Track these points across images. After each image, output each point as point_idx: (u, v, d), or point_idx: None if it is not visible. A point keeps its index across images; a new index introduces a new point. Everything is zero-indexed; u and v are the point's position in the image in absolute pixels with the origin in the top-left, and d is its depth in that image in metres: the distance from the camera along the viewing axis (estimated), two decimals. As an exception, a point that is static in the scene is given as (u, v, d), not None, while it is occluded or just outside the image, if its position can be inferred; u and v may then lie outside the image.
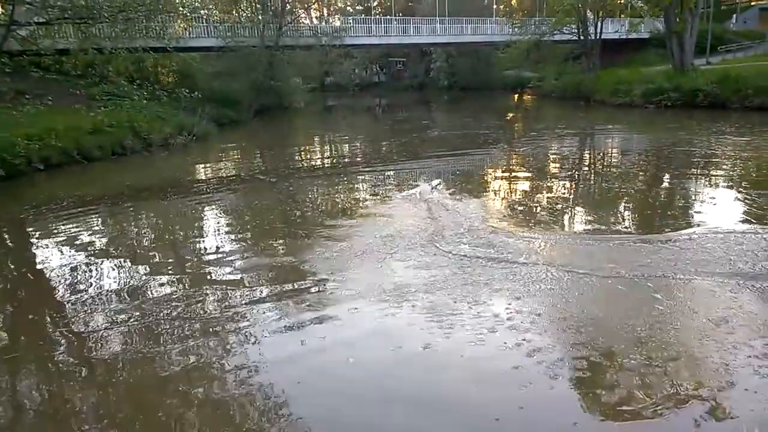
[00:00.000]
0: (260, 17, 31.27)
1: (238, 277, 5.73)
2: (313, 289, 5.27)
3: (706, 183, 9.59)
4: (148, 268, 6.16)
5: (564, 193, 9.28)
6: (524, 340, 4.07)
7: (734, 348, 3.81)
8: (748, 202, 7.82)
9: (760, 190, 8.43)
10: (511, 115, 28.22)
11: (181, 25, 21.14)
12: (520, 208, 8.25)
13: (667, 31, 24.98)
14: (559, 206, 8.31)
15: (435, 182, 9.63)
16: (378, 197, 9.19)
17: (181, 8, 17.79)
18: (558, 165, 12.21)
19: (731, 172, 10.20)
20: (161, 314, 4.88)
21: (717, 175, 10.00)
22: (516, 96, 37.69)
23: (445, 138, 17.53)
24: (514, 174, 11.19)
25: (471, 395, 3.52)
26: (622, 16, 36.81)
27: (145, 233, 8.06)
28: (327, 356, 4.10)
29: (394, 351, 4.10)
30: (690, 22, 23.91)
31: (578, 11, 30.00)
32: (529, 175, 11.04)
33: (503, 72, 41.86)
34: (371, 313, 4.70)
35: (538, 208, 8.18)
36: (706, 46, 28.18)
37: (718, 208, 7.75)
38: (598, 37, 31.11)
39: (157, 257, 6.63)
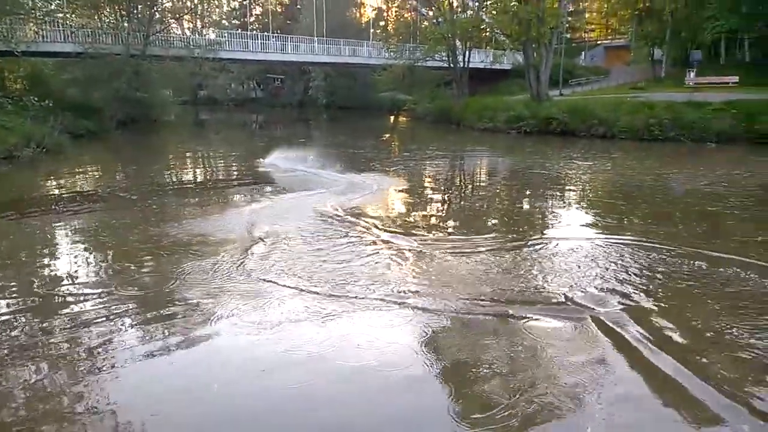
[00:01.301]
0: (125, 24, 29.32)
1: (90, 302, 5.19)
2: (178, 314, 4.94)
3: (553, 200, 10.66)
4: None
5: (429, 210, 9.72)
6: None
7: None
8: (582, 216, 8.90)
9: (593, 207, 9.63)
10: (387, 135, 29.13)
11: (33, 29, 19.07)
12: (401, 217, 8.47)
13: (525, 64, 27.56)
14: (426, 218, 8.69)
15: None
16: (247, 212, 8.90)
17: (32, 11, 16.00)
18: (428, 184, 12.79)
19: (573, 192, 11.55)
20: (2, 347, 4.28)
21: (560, 194, 11.26)
22: (392, 117, 39.08)
23: (323, 155, 17.54)
24: (384, 190, 11.46)
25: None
26: (488, 47, 40.05)
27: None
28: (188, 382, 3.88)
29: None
30: (545, 57, 26.63)
31: (448, 41, 32.05)
32: (401, 192, 11.39)
33: (380, 93, 43.34)
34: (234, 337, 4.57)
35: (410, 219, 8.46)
36: (559, 78, 31.50)
37: (557, 221, 8.88)
38: (466, 66, 33.46)
39: None
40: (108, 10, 30.42)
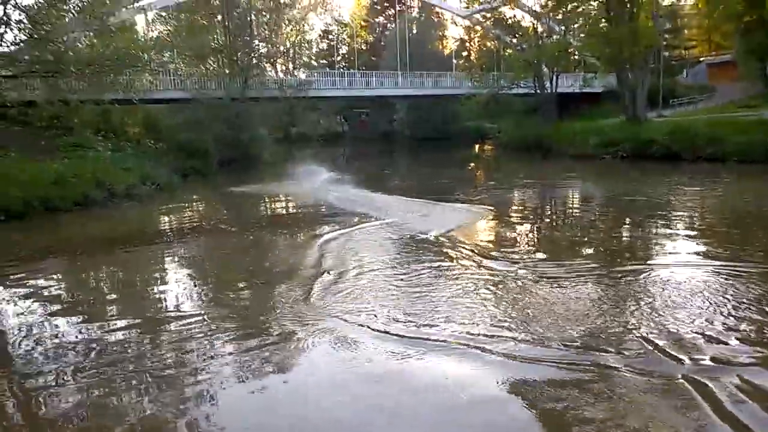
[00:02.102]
0: (227, 71, 31.80)
1: (197, 328, 5.56)
2: (275, 342, 5.15)
3: (655, 228, 9.95)
4: (104, 321, 5.96)
5: (515, 239, 9.42)
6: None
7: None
8: (688, 244, 8.42)
9: (701, 236, 8.98)
10: (471, 165, 28.95)
11: (149, 78, 21.24)
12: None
13: (619, 86, 26.46)
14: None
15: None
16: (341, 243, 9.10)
17: (149, 63, 17.84)
18: (515, 214, 12.46)
19: (678, 219, 10.76)
20: (117, 369, 4.69)
21: (663, 222, 10.50)
22: (477, 146, 38.81)
23: (406, 187, 17.67)
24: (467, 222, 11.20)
25: None
26: (576, 70, 38.93)
27: (103, 284, 7.79)
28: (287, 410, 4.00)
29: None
30: (641, 78, 25.43)
31: (534, 67, 31.58)
32: (488, 222, 11.13)
33: (464, 123, 43.30)
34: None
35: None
36: (658, 99, 29.86)
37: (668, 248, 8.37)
38: (554, 91, 32.70)
39: (115, 309, 6.48)
40: (212, 58, 33.19)
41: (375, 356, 4.78)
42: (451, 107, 43.24)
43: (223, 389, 4.31)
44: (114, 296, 7.08)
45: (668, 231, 9.96)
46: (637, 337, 4.92)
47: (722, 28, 38.16)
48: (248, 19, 32.06)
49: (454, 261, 7.86)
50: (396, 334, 5.15)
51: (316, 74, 37.22)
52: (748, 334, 4.92)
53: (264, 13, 34.08)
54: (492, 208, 12.62)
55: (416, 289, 6.57)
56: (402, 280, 7.01)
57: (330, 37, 55.01)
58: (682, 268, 7.09)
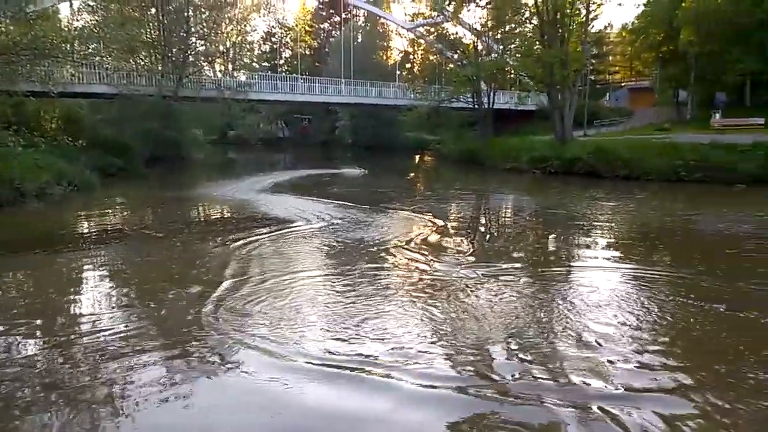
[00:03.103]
0: (159, 67, 30.67)
1: (114, 339, 5.26)
2: (197, 351, 4.97)
3: (574, 239, 10.54)
4: (9, 332, 5.49)
5: (447, 246, 9.65)
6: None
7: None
8: (599, 255, 8.96)
9: (612, 248, 9.54)
10: (411, 174, 29.35)
11: (70, 71, 20.10)
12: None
13: (550, 105, 27.67)
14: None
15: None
16: (279, 246, 9.00)
17: (71, 54, 16.84)
18: (450, 222, 12.74)
19: (594, 232, 11.44)
20: (24, 382, 4.36)
21: (581, 234, 11.18)
22: (417, 157, 39.43)
23: (346, 195, 17.70)
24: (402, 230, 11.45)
25: None
26: (513, 89, 40.46)
27: (9, 292, 7.19)
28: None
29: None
30: (569, 99, 26.72)
31: (473, 82, 32.53)
32: (421, 230, 11.36)
33: (405, 133, 43.94)
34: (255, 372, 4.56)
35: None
36: (584, 119, 31.48)
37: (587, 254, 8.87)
38: (490, 107, 33.80)
39: (23, 319, 5.94)
40: (144, 53, 31.87)
41: (263, 382, 4.47)
42: (394, 117, 43.82)
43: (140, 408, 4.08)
44: (21, 304, 6.53)
45: (586, 240, 10.73)
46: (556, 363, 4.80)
47: (643, 57, 40.84)
48: (185, 14, 31.06)
49: (384, 268, 7.95)
50: (307, 359, 4.84)
51: (256, 77, 36.57)
52: (658, 352, 5.03)
53: (203, 10, 33.13)
54: (429, 216, 12.89)
55: (335, 302, 6.53)
56: (324, 289, 7.01)
57: (273, 39, 54.41)
58: (598, 271, 8.13)
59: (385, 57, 51.95)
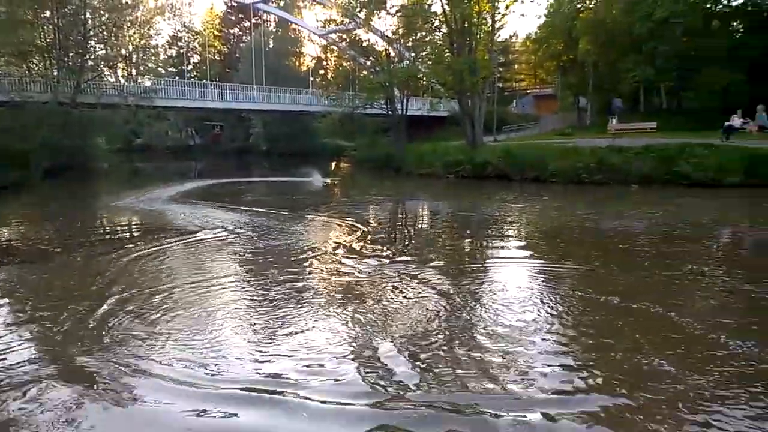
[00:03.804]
0: (54, 73, 28.49)
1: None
2: (92, 377, 4.53)
3: (490, 238, 10.90)
4: None
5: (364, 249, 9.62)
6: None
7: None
8: (521, 249, 9.23)
9: (529, 243, 9.91)
10: (329, 180, 29.13)
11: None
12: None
13: (461, 112, 28.57)
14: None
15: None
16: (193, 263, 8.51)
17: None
18: (366, 227, 12.75)
19: (502, 232, 11.95)
20: None
21: (492, 235, 11.63)
22: (334, 163, 39.28)
23: (262, 202, 17.22)
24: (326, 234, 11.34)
25: None
26: (425, 95, 41.45)
27: None
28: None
29: None
30: (479, 105, 27.73)
31: (386, 89, 32.94)
32: (336, 235, 11.27)
33: (321, 140, 43.69)
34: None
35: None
36: (493, 125, 32.83)
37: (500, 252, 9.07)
38: (404, 113, 34.38)
39: None
40: (38, 58, 29.46)
41: (166, 411, 4.11)
42: (309, 124, 43.43)
43: None
44: None
45: (497, 239, 11.19)
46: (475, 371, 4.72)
47: (545, 66, 43.42)
48: (82, 17, 29.04)
49: (301, 275, 7.72)
50: (215, 383, 4.51)
51: (163, 82, 34.92)
52: (569, 351, 5.12)
53: (102, 12, 31.14)
54: (346, 221, 12.89)
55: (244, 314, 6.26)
56: (235, 303, 6.69)
57: (180, 44, 52.22)
58: (509, 267, 8.70)
59: (297, 63, 51.48)
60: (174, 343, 5.31)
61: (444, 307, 6.30)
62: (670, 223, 12.14)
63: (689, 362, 4.69)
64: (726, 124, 21.78)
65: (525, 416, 3.92)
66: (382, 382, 4.48)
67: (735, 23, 33.22)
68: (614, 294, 6.62)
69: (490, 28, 28.49)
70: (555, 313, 6.05)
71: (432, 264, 8.43)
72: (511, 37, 52.46)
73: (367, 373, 4.65)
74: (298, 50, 51.98)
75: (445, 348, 5.13)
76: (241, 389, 4.38)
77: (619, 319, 5.84)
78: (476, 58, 27.17)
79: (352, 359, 4.92)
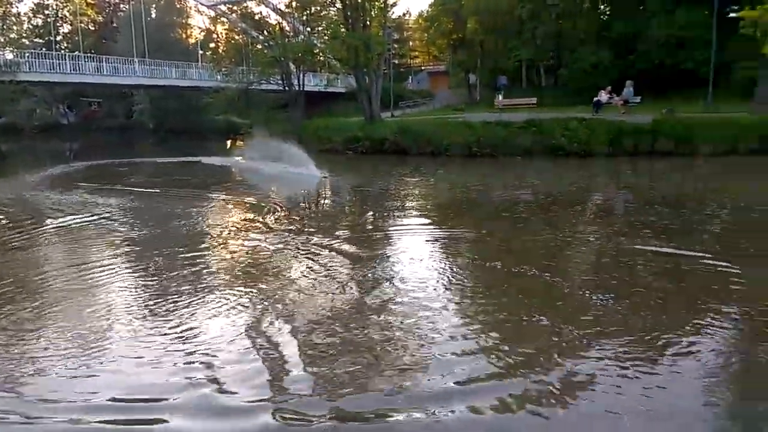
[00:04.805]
0: None
1: None
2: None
3: (388, 210, 11.32)
4: None
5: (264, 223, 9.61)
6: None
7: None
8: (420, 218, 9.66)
9: (427, 212, 10.45)
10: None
11: None
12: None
13: (357, 87, 28.70)
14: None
15: None
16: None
17: None
18: (266, 203, 12.65)
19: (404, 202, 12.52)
20: None
21: (394, 205, 12.13)
22: (229, 142, 37.82)
23: (150, 184, 16.30)
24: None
25: None
26: (322, 71, 40.95)
27: None
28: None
29: None
30: (375, 81, 28.00)
31: (281, 64, 32.14)
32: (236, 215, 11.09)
33: (214, 117, 41.77)
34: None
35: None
36: (390, 101, 33.33)
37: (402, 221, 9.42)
38: (301, 89, 33.82)
39: None
40: None
41: None
42: (200, 100, 41.26)
43: None
44: None
45: (395, 211, 11.79)
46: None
47: (437, 43, 44.63)
48: None
49: (202, 258, 7.54)
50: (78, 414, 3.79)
51: (28, 54, 31.29)
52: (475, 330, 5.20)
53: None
54: (248, 199, 12.78)
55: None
56: (119, 296, 6.42)
57: (47, 12, 46.96)
58: (407, 235, 9.39)
59: (185, 35, 48.41)
60: (39, 351, 4.77)
61: (349, 283, 6.50)
62: (548, 192, 13.34)
63: (562, 317, 5.32)
64: (595, 99, 23.91)
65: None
66: (278, 393, 4.05)
67: (602, 6, 36.21)
68: (498, 259, 7.25)
69: (383, 5, 28.70)
70: (448, 280, 6.53)
71: (337, 236, 8.67)
72: (404, 14, 53.28)
73: (263, 382, 4.20)
74: (184, 21, 48.77)
75: (351, 337, 5.01)
76: (115, 403, 3.93)
77: (504, 283, 6.43)
78: (371, 33, 27.34)
79: (249, 360, 4.56)
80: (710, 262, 6.90)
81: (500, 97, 30.48)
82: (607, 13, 35.55)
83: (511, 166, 19.40)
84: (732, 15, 24.16)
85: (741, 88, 24.75)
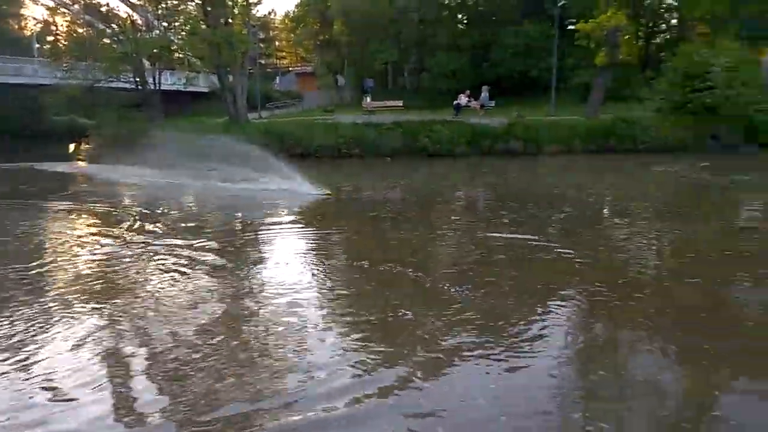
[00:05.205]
0: None
1: None
2: None
3: (253, 213, 10.88)
4: None
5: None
6: None
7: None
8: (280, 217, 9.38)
9: (287, 216, 10.19)
10: (67, 165, 25.23)
11: None
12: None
13: (221, 87, 27.41)
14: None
15: None
16: None
17: None
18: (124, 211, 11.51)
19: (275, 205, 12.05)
20: None
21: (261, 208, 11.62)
22: (73, 145, 34.04)
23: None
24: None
25: None
26: (181, 69, 38.43)
27: None
28: None
29: None
30: (240, 81, 26.95)
31: (133, 60, 29.63)
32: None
33: (53, 117, 37.38)
34: None
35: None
36: (257, 102, 32.27)
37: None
38: (157, 88, 31.45)
39: None
40: None
41: None
42: (37, 99, 36.54)
43: None
44: None
45: (266, 213, 11.37)
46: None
47: (304, 44, 44.33)
48: None
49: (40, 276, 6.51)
50: None
51: None
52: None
53: None
54: (97, 207, 11.80)
55: None
56: None
57: None
58: (281, 237, 8.98)
59: (17, 27, 42.77)
60: None
61: (211, 292, 6.06)
62: (414, 190, 13.78)
63: (424, 310, 5.41)
64: (455, 102, 25.31)
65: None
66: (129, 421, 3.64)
67: (460, 15, 38.47)
68: (366, 258, 7.25)
69: (245, 2, 27.78)
70: (316, 283, 6.40)
71: (199, 243, 8.09)
72: (269, 13, 52.08)
73: (106, 411, 3.75)
74: (16, 12, 43.03)
75: (211, 351, 4.64)
76: None
77: (371, 281, 6.43)
78: (233, 31, 26.29)
79: (96, 389, 4.00)
80: (557, 249, 7.54)
81: (368, 99, 31.02)
82: (465, 21, 37.87)
83: (380, 167, 19.80)
84: (570, 27, 27.04)
85: (578, 94, 27.80)
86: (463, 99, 25.70)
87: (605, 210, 11.86)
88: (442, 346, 4.62)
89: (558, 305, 5.52)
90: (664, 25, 36.63)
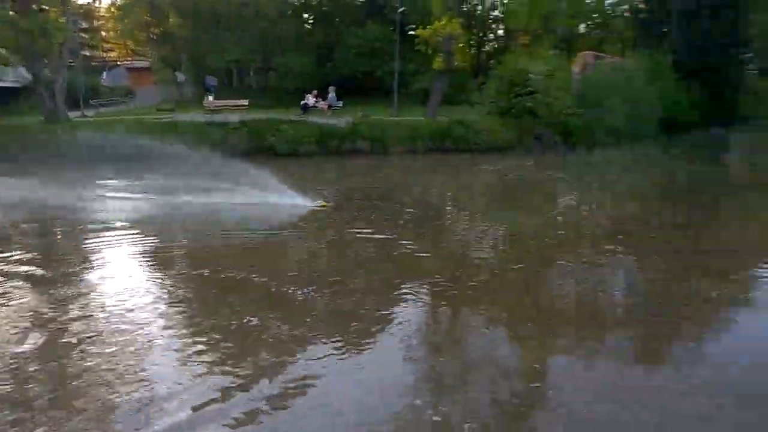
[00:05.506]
0: None
1: None
2: None
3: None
4: None
5: None
6: None
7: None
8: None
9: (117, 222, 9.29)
10: None
11: None
12: None
13: (34, 81, 23.99)
14: None
15: None
16: None
17: None
18: None
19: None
20: None
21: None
22: None
23: None
24: None
25: None
26: (-17, 60, 32.93)
27: None
28: None
29: None
30: (59, 75, 23.81)
31: None
32: None
33: None
34: None
35: None
36: (79, 98, 28.77)
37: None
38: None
39: None
40: None
41: None
42: None
43: None
44: None
45: (94, 221, 10.07)
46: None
47: (135, 36, 40.64)
48: None
49: None
50: None
51: None
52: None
53: None
54: None
55: None
56: None
57: None
58: (112, 248, 7.96)
59: None
60: None
61: (35, 315, 5.30)
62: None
63: (270, 313, 5.28)
64: (302, 102, 25.19)
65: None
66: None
67: (305, 15, 38.27)
68: (206, 267, 6.86)
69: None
70: (153, 296, 5.94)
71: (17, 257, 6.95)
72: (93, 1, 46.67)
73: None
74: None
75: (36, 385, 4.20)
76: None
77: (213, 288, 6.10)
78: (49, 18, 23.17)
79: None
80: (401, 242, 7.87)
81: (210, 98, 29.50)
82: (310, 21, 37.80)
83: (226, 168, 18.91)
84: (410, 33, 28.39)
85: (419, 97, 29.39)
86: (310, 99, 25.67)
87: (447, 206, 12.71)
88: (290, 352, 4.56)
89: (410, 297, 5.80)
90: (492, 35, 40.40)
